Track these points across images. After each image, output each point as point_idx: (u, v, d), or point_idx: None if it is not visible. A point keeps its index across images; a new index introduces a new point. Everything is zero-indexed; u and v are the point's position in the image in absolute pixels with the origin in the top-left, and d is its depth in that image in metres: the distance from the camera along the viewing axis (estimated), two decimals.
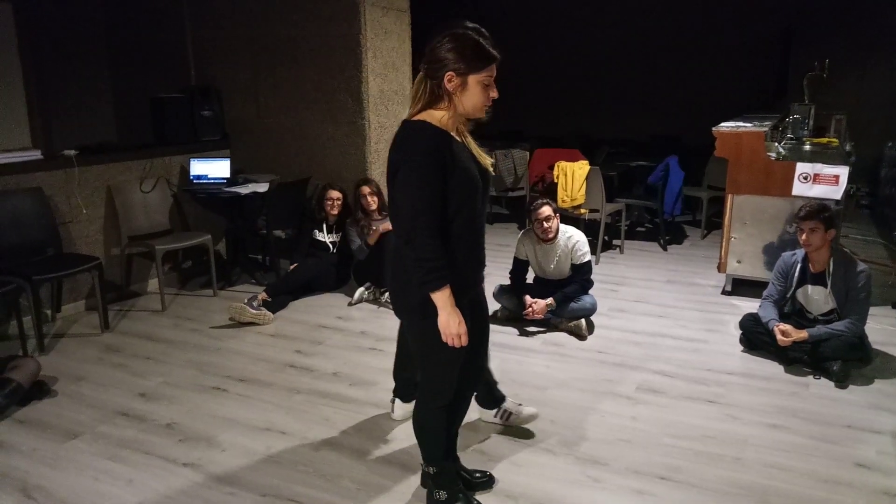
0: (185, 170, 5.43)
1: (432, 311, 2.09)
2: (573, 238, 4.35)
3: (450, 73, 2.03)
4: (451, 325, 2.07)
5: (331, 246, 5.21)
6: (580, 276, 4.35)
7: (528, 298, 4.28)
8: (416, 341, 2.26)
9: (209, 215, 5.59)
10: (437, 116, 2.08)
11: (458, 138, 2.13)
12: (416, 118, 2.09)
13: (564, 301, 4.27)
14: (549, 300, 4.25)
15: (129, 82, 6.47)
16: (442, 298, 2.05)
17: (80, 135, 6.04)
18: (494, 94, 2.10)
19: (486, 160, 2.21)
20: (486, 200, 2.25)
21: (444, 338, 2.10)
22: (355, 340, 4.22)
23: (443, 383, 2.30)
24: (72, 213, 4.69)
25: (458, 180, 2.05)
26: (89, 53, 6.50)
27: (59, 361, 3.93)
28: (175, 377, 3.72)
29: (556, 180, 6.05)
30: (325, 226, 5.21)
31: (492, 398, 3.08)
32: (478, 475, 2.69)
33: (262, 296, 4.58)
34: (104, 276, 4.39)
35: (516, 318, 4.37)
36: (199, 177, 5.37)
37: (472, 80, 2.04)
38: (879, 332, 4.12)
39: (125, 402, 3.44)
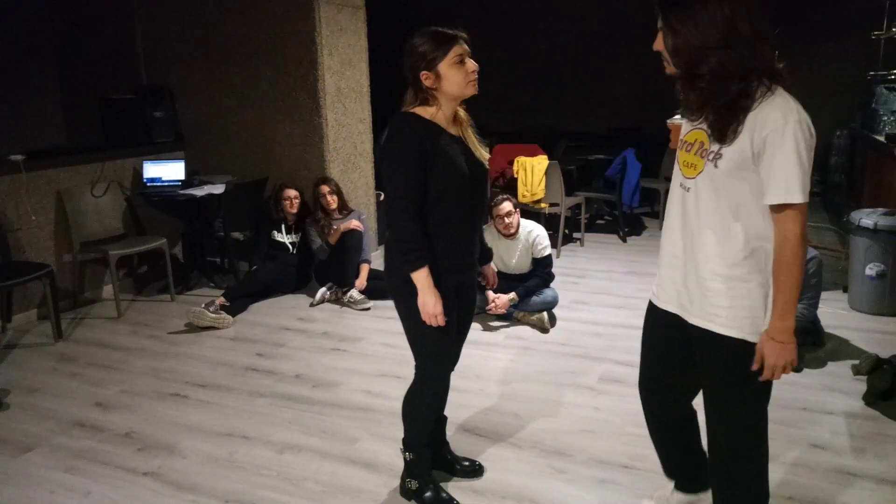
0: (139, 173, 5.31)
1: (414, 291, 2.17)
2: (534, 232, 4.38)
3: (423, 72, 2.14)
4: (427, 304, 2.16)
5: (290, 247, 5.15)
6: (541, 270, 4.38)
7: (490, 293, 4.30)
8: (403, 321, 2.33)
9: (165, 218, 5.49)
10: (429, 111, 2.20)
11: (451, 131, 2.23)
12: (409, 110, 2.21)
13: (527, 295, 4.30)
14: (512, 295, 4.27)
15: (77, 83, 6.30)
16: (419, 279, 2.15)
17: (28, 139, 5.87)
18: (472, 66, 2.17)
19: (483, 154, 2.30)
20: (483, 193, 2.36)
21: (422, 317, 2.18)
22: (318, 341, 4.18)
23: (438, 367, 2.38)
24: (20, 220, 4.54)
25: (440, 170, 2.14)
26: (35, 54, 6.31)
27: (11, 373, 3.81)
28: (133, 385, 3.64)
29: (516, 175, 6.08)
30: (283, 226, 5.14)
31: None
32: (465, 463, 2.72)
33: (221, 300, 4.51)
34: (56, 284, 4.27)
35: (480, 312, 4.38)
36: (152, 179, 5.26)
37: (444, 66, 2.13)
38: (831, 316, 4.24)
39: (81, 412, 3.35)
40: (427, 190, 2.16)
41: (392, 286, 2.30)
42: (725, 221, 1.77)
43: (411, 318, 2.25)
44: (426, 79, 2.15)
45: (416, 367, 2.40)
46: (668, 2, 1.70)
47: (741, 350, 1.81)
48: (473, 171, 2.24)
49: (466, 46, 2.17)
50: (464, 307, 2.43)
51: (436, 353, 2.34)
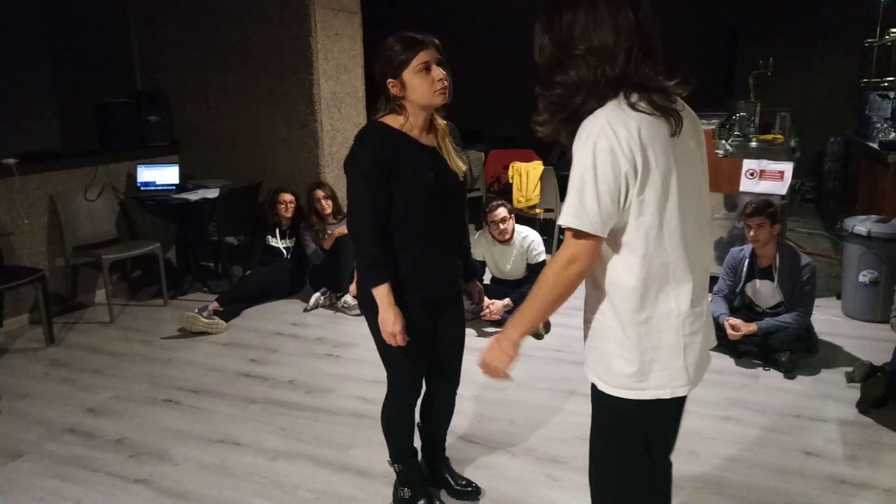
0: (133, 177, 5.29)
1: (377, 307, 2.13)
2: (528, 238, 4.38)
3: (389, 80, 2.07)
4: (386, 321, 2.11)
5: (285, 251, 5.13)
6: (536, 276, 4.37)
7: (485, 299, 4.29)
8: (373, 336, 2.28)
9: (158, 223, 5.47)
10: (398, 120, 2.12)
11: (424, 141, 2.14)
12: (378, 119, 2.14)
13: (521, 301, 4.28)
14: (507, 300, 4.26)
15: (72, 87, 6.28)
16: (379, 295, 2.10)
17: (22, 142, 5.84)
18: (438, 74, 2.07)
19: (459, 166, 2.21)
20: (458, 205, 2.26)
21: (382, 334, 2.14)
22: (311, 347, 4.17)
23: (405, 381, 2.32)
24: (13, 223, 4.52)
25: (403, 183, 2.07)
26: (30, 58, 6.29)
27: (1, 378, 3.79)
28: (125, 391, 3.62)
29: (511, 181, 6.09)
30: (278, 231, 5.13)
31: None
32: (462, 482, 2.64)
33: (214, 305, 4.49)
34: (48, 288, 4.25)
35: (474, 319, 4.37)
36: (146, 184, 5.24)
37: (408, 75, 2.05)
38: (825, 323, 4.24)
39: (73, 418, 3.32)
40: (392, 203, 2.08)
41: (360, 300, 2.26)
42: None
43: (376, 334, 2.21)
44: (392, 86, 2.07)
45: (387, 380, 2.38)
46: (545, 1, 1.58)
47: (599, 398, 1.66)
48: (445, 183, 2.15)
49: (435, 53, 2.07)
50: (447, 325, 2.36)
51: (401, 370, 2.30)
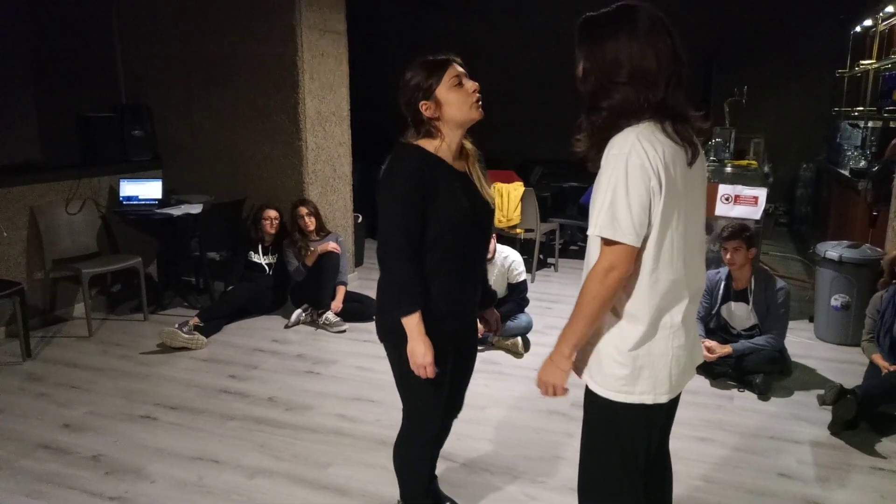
0: (115, 191, 5.27)
1: (405, 337, 2.02)
2: (509, 258, 4.43)
3: (421, 102, 2.00)
4: (416, 353, 2.00)
5: (267, 268, 5.13)
6: (516, 295, 4.42)
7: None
8: (393, 367, 2.17)
9: (140, 237, 5.44)
10: (433, 144, 2.05)
11: (456, 166, 2.08)
12: (412, 141, 2.06)
13: (501, 320, 4.32)
14: None
15: (55, 99, 6.25)
16: (410, 324, 1.99)
17: (2, 154, 5.80)
18: (471, 86, 2.02)
19: (490, 193, 2.15)
20: (486, 233, 2.19)
21: (411, 366, 2.03)
22: (292, 364, 4.17)
23: (426, 413, 2.21)
24: None
25: (439, 208, 1.99)
26: (12, 68, 6.25)
27: None
28: (102, 406, 3.59)
29: None
30: (260, 247, 5.14)
31: None
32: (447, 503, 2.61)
33: (195, 320, 4.47)
34: (26, 302, 4.20)
35: None
36: (129, 198, 5.22)
37: (440, 92, 1.99)
38: (798, 346, 4.33)
39: (48, 434, 3.29)
40: (425, 229, 1.99)
41: (382, 328, 2.15)
42: (591, 260, 1.70)
43: (400, 365, 2.09)
44: (426, 109, 1.99)
45: (403, 415, 2.25)
46: (582, 31, 1.65)
47: (590, 399, 1.79)
48: (477, 210, 2.08)
49: (460, 68, 2.02)
50: (465, 354, 2.30)
51: (424, 405, 2.18)
